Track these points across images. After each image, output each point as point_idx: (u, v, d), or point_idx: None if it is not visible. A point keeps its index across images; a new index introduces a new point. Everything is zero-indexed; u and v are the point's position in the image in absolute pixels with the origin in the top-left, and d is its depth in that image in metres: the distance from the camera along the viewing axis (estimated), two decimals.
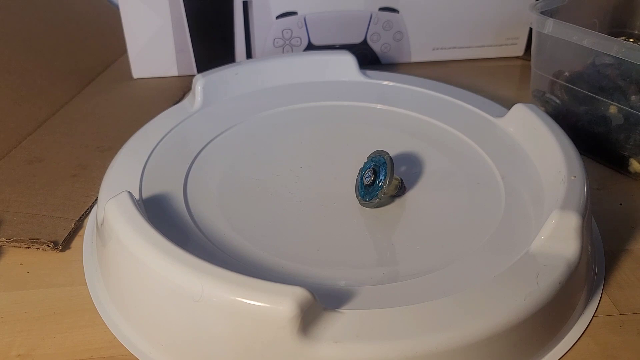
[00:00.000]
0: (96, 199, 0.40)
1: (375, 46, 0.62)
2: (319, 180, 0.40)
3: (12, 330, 0.32)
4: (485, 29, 0.62)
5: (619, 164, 0.45)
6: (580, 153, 0.38)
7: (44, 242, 0.37)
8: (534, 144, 0.41)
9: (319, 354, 0.26)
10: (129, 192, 0.33)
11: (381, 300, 0.29)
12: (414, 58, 0.63)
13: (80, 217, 0.40)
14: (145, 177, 0.38)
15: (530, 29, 0.59)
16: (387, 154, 0.37)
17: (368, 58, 0.62)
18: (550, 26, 0.46)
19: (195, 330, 0.28)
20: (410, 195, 0.38)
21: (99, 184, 0.39)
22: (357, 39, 0.61)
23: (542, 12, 0.47)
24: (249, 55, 0.60)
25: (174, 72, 0.60)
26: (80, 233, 0.39)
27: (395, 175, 0.36)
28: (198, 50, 0.59)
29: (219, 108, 0.47)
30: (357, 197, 0.38)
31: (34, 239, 0.37)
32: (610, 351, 0.31)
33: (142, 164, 0.39)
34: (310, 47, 0.61)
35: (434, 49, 0.63)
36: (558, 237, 0.31)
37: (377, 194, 0.36)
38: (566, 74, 0.49)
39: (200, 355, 0.29)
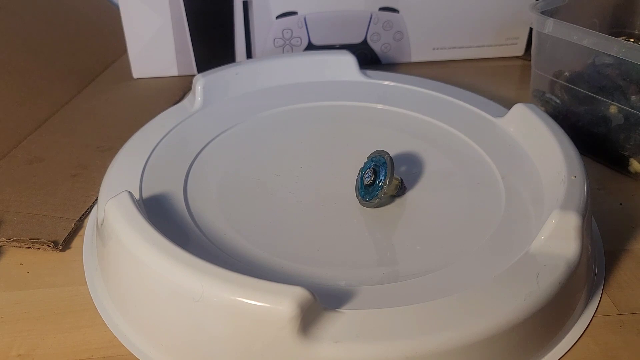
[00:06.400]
0: (96, 199, 0.40)
1: (375, 46, 0.62)
2: (319, 180, 0.40)
3: (12, 330, 0.32)
4: (485, 29, 0.62)
5: (619, 164, 0.45)
6: (580, 153, 0.38)
7: (44, 242, 0.37)
8: (534, 144, 0.41)
9: (319, 354, 0.26)
10: (129, 192, 0.33)
11: (381, 300, 0.29)
12: (414, 58, 0.63)
13: (81, 217, 0.40)
14: (145, 177, 0.38)
15: (531, 29, 0.59)
16: (387, 154, 0.37)
17: (368, 58, 0.62)
18: (550, 26, 0.46)
19: (195, 330, 0.28)
20: (410, 195, 0.38)
21: (99, 184, 0.39)
22: (357, 39, 0.61)
23: (542, 12, 0.47)
24: (249, 55, 0.60)
25: (174, 72, 0.60)
26: (80, 233, 0.39)
27: (395, 175, 0.36)
28: (198, 50, 0.59)
29: (219, 108, 0.47)
30: (357, 197, 0.38)
31: (34, 239, 0.37)
32: (611, 351, 0.31)
33: (142, 164, 0.39)
34: (310, 47, 0.61)
35: (434, 49, 0.63)
36: (558, 237, 0.31)
37: (377, 194, 0.36)
38: (566, 74, 0.49)
39: (200, 355, 0.29)
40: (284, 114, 0.47)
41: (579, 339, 0.32)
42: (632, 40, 0.55)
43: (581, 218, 0.32)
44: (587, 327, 0.32)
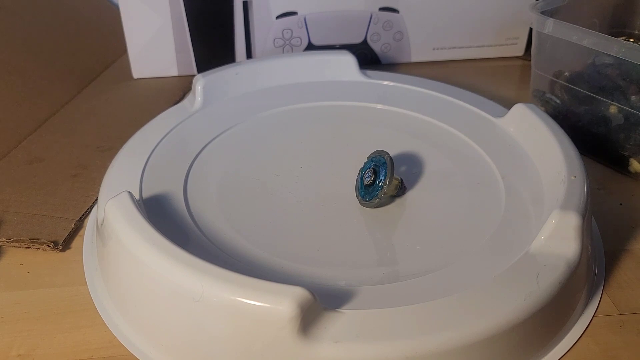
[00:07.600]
0: (96, 199, 0.40)
1: (375, 46, 0.62)
2: (319, 180, 0.40)
3: (12, 330, 0.32)
4: (485, 29, 0.62)
5: (619, 164, 0.45)
6: (581, 153, 0.38)
7: (44, 242, 0.37)
8: (534, 144, 0.41)
9: (319, 354, 0.26)
10: (129, 192, 0.33)
11: (381, 300, 0.29)
12: (414, 58, 0.63)
13: (81, 217, 0.40)
14: (145, 177, 0.38)
15: (530, 29, 0.59)
16: (387, 154, 0.37)
17: (368, 58, 0.62)
18: (550, 26, 0.46)
19: (195, 330, 0.28)
20: (410, 195, 0.38)
21: (99, 184, 0.39)
22: (357, 39, 0.61)
23: (542, 12, 0.47)
24: (249, 55, 0.60)
25: (174, 72, 0.60)
26: (80, 233, 0.39)
27: (395, 175, 0.36)
28: (198, 50, 0.59)
29: (219, 108, 0.47)
30: (357, 197, 0.38)
31: (34, 239, 0.37)
32: (611, 351, 0.31)
33: (142, 164, 0.39)
34: (310, 47, 0.61)
35: (434, 49, 0.63)
36: (558, 237, 0.31)
37: (377, 194, 0.36)
38: (566, 74, 0.49)
39: (200, 355, 0.29)
40: (284, 114, 0.47)
41: (579, 339, 0.32)
42: (632, 40, 0.55)
43: (581, 218, 0.32)
44: (587, 327, 0.32)
